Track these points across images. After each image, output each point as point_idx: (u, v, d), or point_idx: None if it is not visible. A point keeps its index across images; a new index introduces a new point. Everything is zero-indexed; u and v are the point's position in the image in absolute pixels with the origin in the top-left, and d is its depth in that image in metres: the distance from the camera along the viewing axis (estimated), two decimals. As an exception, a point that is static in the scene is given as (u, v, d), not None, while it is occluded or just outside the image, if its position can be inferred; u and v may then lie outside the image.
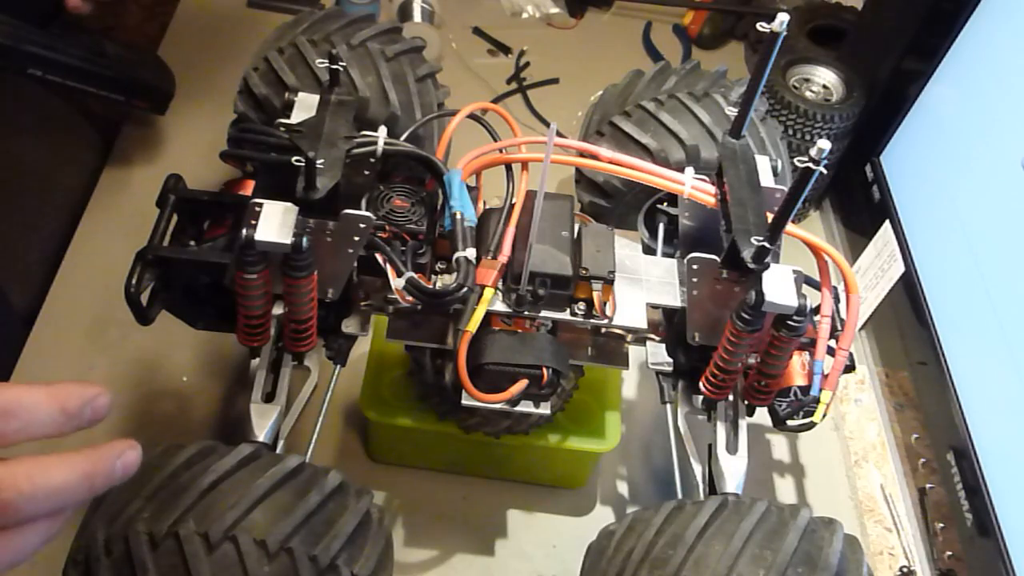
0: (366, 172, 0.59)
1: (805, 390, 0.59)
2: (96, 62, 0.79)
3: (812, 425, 0.59)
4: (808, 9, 1.04)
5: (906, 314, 0.79)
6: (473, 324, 0.54)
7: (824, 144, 0.47)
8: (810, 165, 0.48)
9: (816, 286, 0.59)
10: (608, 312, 0.58)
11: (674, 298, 0.60)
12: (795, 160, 0.49)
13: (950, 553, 0.72)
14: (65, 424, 0.36)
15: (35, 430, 0.36)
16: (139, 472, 0.52)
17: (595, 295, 0.57)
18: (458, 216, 0.57)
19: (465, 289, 0.54)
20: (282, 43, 0.73)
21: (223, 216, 0.61)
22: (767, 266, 0.55)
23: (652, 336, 0.63)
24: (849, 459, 0.78)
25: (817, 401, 0.58)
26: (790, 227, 0.56)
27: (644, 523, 0.54)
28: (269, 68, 0.72)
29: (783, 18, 0.52)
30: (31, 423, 0.35)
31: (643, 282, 0.61)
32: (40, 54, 0.75)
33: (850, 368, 0.60)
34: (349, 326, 0.61)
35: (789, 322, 0.55)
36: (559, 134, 0.55)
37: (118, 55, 0.82)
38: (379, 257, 0.56)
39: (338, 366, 0.63)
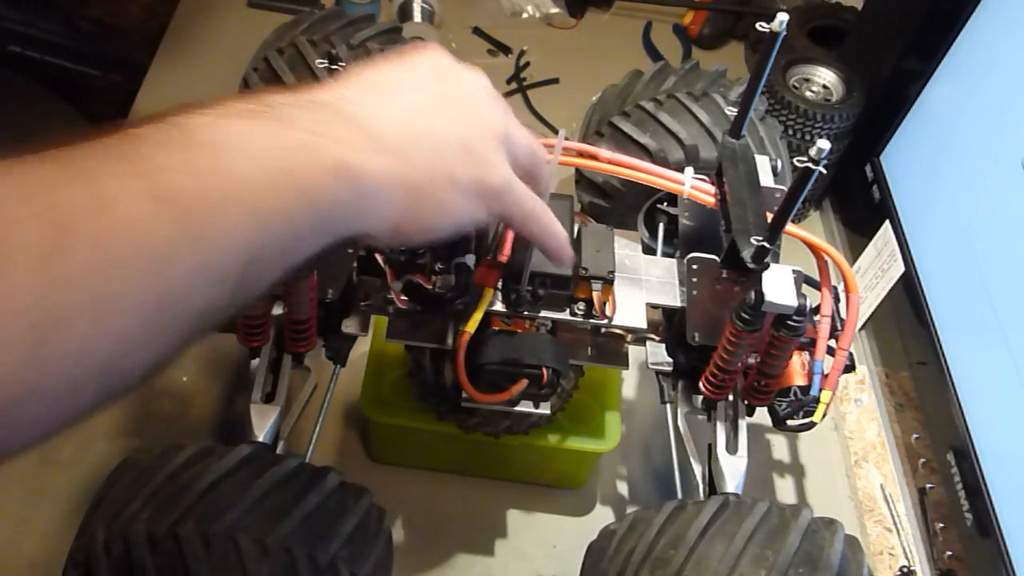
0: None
1: (805, 390, 0.59)
2: (72, 37, 0.80)
3: (812, 425, 0.59)
4: (808, 9, 1.04)
5: (906, 314, 0.79)
6: (472, 325, 0.54)
7: (823, 144, 0.47)
8: (809, 165, 0.48)
9: (816, 285, 0.59)
10: (608, 312, 0.57)
11: (674, 298, 0.60)
12: (795, 160, 0.49)
13: (950, 553, 0.72)
14: None
15: None
16: (138, 473, 0.52)
17: (595, 295, 0.57)
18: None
19: (464, 294, 0.54)
20: (282, 43, 0.73)
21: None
22: (767, 266, 0.55)
23: (652, 336, 0.63)
24: (849, 459, 0.78)
25: (817, 401, 0.58)
26: (790, 227, 0.56)
27: (645, 523, 0.54)
28: (269, 68, 0.72)
29: (782, 18, 0.52)
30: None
31: (643, 282, 0.61)
32: (20, 31, 0.76)
33: (850, 368, 0.60)
34: (349, 326, 0.61)
35: (789, 322, 0.55)
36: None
37: (90, 31, 0.83)
38: (378, 258, 0.56)
39: (338, 366, 0.63)
